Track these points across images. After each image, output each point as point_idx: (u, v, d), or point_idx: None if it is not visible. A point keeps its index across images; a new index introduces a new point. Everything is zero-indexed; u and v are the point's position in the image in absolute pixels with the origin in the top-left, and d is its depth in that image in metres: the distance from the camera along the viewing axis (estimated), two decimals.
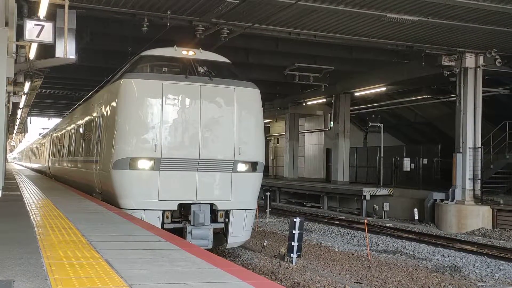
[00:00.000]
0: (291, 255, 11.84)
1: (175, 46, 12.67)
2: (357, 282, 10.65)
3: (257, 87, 12.13)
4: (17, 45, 12.27)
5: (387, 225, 19.66)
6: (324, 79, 23.87)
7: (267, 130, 38.67)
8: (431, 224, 20.12)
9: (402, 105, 29.32)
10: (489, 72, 19.84)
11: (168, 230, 9.37)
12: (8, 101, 16.39)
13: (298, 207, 27.42)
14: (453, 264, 13.08)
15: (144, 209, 10.89)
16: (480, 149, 19.54)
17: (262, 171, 12.18)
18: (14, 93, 16.91)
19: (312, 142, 36.91)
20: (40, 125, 59.08)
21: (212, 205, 11.31)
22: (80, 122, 16.42)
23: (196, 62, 12.06)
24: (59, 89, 30.03)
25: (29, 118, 42.62)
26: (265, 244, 13.90)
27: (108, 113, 12.10)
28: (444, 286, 10.63)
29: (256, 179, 11.99)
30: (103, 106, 12.80)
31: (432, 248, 15.04)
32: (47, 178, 24.72)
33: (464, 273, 12.08)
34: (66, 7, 10.08)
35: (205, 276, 4.47)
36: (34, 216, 8.42)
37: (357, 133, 34.46)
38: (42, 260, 4.92)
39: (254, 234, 15.19)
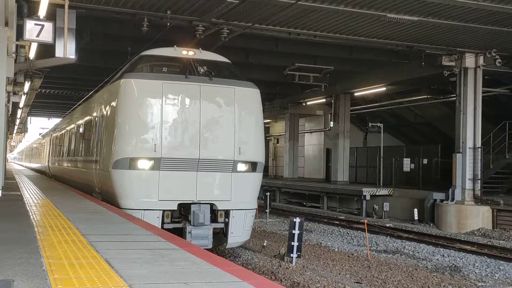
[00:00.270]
0: (291, 255, 11.84)
1: (175, 46, 12.66)
2: (357, 282, 10.65)
3: (257, 87, 12.13)
4: (17, 45, 12.26)
5: (387, 225, 19.66)
6: (324, 79, 23.87)
7: (267, 130, 38.66)
8: (431, 224, 20.12)
9: (402, 105, 29.32)
10: (489, 72, 19.85)
11: (168, 230, 9.37)
12: (8, 101, 16.38)
13: (298, 207, 27.42)
14: (453, 264, 13.09)
15: (144, 209, 10.88)
16: (480, 149, 19.54)
17: (262, 171, 12.17)
18: (14, 93, 16.90)
19: (312, 142, 36.92)
20: (40, 125, 59.08)
21: (212, 205, 11.31)
22: (80, 122, 16.41)
23: (196, 62, 12.06)
24: (59, 89, 30.02)
25: (29, 118, 42.60)
26: (265, 244, 13.89)
27: (108, 113, 12.09)
28: (444, 286, 10.63)
29: (256, 179, 11.98)
30: (103, 106, 12.79)
31: (432, 248, 15.04)
32: (47, 178, 24.72)
33: (464, 273, 12.08)
34: (66, 7, 10.08)
35: (205, 276, 4.46)
36: (34, 216, 8.41)
37: (357, 133, 34.47)
38: (42, 260, 4.92)
39: (254, 234, 15.19)
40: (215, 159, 11.29)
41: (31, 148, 49.54)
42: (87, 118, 15.12)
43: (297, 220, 11.95)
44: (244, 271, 4.77)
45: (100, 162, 12.40)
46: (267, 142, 37.16)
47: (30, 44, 11.94)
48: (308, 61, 22.27)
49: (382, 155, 25.89)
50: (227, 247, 12.05)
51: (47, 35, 10.15)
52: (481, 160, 19.45)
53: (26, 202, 10.87)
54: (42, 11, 10.41)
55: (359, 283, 10.63)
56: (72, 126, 18.56)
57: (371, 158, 29.64)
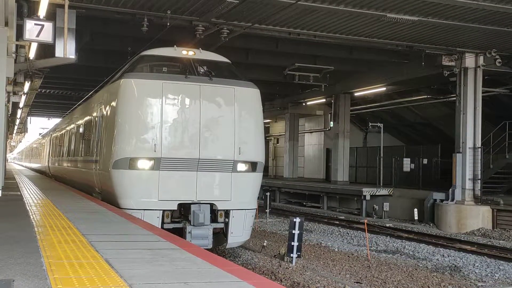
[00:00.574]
0: (291, 255, 11.84)
1: (175, 46, 12.66)
2: (357, 282, 10.65)
3: (257, 87, 12.12)
4: (17, 45, 12.26)
5: (387, 225, 19.66)
6: (324, 79, 23.87)
7: (267, 130, 38.67)
8: (431, 224, 20.12)
9: (402, 105, 29.32)
10: (489, 72, 19.84)
11: (168, 230, 9.36)
12: (8, 101, 16.38)
13: (298, 207, 27.41)
14: (453, 264, 13.09)
15: (144, 209, 10.88)
16: (480, 149, 19.54)
17: (262, 171, 12.17)
18: (14, 93, 16.91)
19: (312, 142, 36.92)
20: (40, 125, 59.10)
21: (212, 205, 11.30)
22: (80, 122, 16.41)
23: (196, 62, 12.05)
24: (59, 89, 30.02)
25: (29, 118, 42.63)
26: (265, 244, 13.89)
27: (108, 113, 12.09)
28: (444, 286, 10.63)
29: (256, 179, 11.98)
30: (103, 106, 12.79)
31: (432, 248, 15.04)
32: (47, 178, 24.71)
33: (464, 273, 12.08)
34: (66, 7, 10.08)
35: (205, 276, 4.46)
36: (34, 215, 8.41)
37: (357, 133, 34.47)
38: (42, 259, 4.92)
39: (254, 234, 15.19)
40: (215, 159, 11.29)
41: (31, 148, 49.53)
42: (87, 118, 15.11)
43: (297, 220, 11.95)
44: (244, 271, 4.77)
45: (100, 162, 12.40)
46: (267, 142, 37.17)
47: (30, 44, 11.94)
48: (308, 61, 22.27)
49: (382, 155, 25.89)
50: (227, 247, 12.04)
51: (47, 35, 10.15)
52: (481, 160, 19.45)
53: (26, 202, 10.87)
54: (42, 11, 10.40)
55: (359, 283, 10.63)
56: (72, 126, 18.56)
57: (371, 158, 29.65)
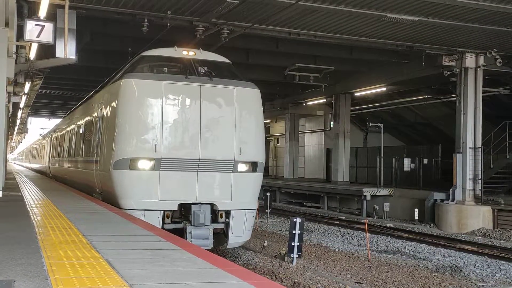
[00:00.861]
0: (292, 255, 11.84)
1: (175, 46, 12.67)
2: (357, 282, 10.65)
3: (257, 87, 12.13)
4: (17, 46, 12.28)
5: (388, 225, 19.66)
6: (324, 79, 23.88)
7: (267, 130, 38.68)
8: (432, 224, 20.11)
9: (402, 105, 29.33)
10: (490, 72, 19.84)
11: (169, 230, 9.36)
12: (9, 102, 16.38)
13: (298, 208, 27.41)
14: (454, 264, 13.08)
15: (145, 209, 10.88)
16: (480, 149, 19.54)
17: (263, 171, 12.17)
18: (15, 94, 16.91)
19: (312, 143, 36.92)
20: (41, 126, 59.10)
21: (212, 205, 11.30)
22: (81, 122, 16.41)
23: (196, 62, 12.06)
24: (59, 89, 30.03)
25: (29, 118, 42.65)
26: (265, 244, 13.89)
27: (109, 113, 12.09)
28: (444, 286, 10.63)
29: (256, 179, 11.98)
30: (103, 106, 12.79)
31: (433, 248, 15.03)
32: (48, 179, 24.72)
33: (464, 273, 12.08)
34: (66, 7, 10.08)
35: (206, 276, 4.46)
36: (34, 216, 8.42)
37: (357, 133, 34.48)
38: (42, 260, 4.92)
39: (254, 235, 15.19)
40: (216, 159, 11.29)
41: (32, 149, 49.54)
42: (88, 118, 15.12)
43: (298, 220, 11.95)
44: (244, 271, 4.77)
45: (100, 162, 12.40)
46: (267, 143, 37.18)
47: (31, 44, 11.94)
48: (308, 61, 22.28)
49: (382, 155, 25.89)
50: (227, 247, 12.04)
51: (47, 36, 10.15)
52: (481, 160, 19.45)
53: (26, 202, 10.87)
54: (43, 11, 10.41)
55: (360, 283, 10.63)
56: (73, 126, 18.56)
57: (371, 158, 29.65)
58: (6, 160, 22.50)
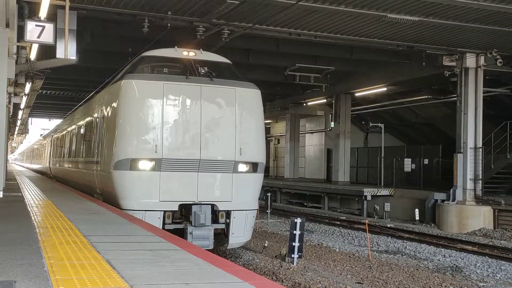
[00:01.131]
0: (292, 255, 11.84)
1: (176, 46, 12.67)
2: (358, 283, 10.65)
3: (258, 87, 12.13)
4: (18, 46, 12.28)
5: (388, 225, 19.66)
6: (324, 79, 23.89)
7: (267, 130, 38.69)
8: (432, 225, 20.11)
9: (402, 105, 29.34)
10: (490, 72, 19.84)
11: (169, 230, 9.35)
12: (9, 102, 16.39)
13: (299, 208, 27.41)
14: (454, 264, 13.08)
15: (145, 210, 10.89)
16: (481, 149, 19.53)
17: (263, 171, 12.17)
18: (15, 94, 16.90)
19: (312, 143, 36.92)
20: (41, 126, 59.09)
21: (213, 205, 11.31)
22: (81, 123, 16.42)
23: (197, 62, 12.06)
24: (60, 90, 30.05)
25: (30, 119, 42.58)
26: (266, 244, 13.89)
27: (109, 114, 12.10)
28: (445, 286, 10.63)
29: (256, 180, 11.98)
30: (104, 107, 12.80)
31: (433, 249, 15.03)
32: (48, 179, 24.72)
33: (465, 273, 12.07)
34: (67, 8, 10.09)
35: (206, 277, 4.47)
36: (35, 216, 8.42)
37: (358, 133, 34.48)
38: (43, 260, 4.92)
39: (255, 235, 15.19)
40: (216, 160, 11.29)
41: (32, 149, 49.56)
42: (88, 119, 15.12)
43: (298, 220, 11.95)
44: (245, 271, 4.77)
45: (101, 163, 12.41)
46: (268, 143, 37.20)
47: (31, 45, 11.94)
48: (309, 61, 22.29)
49: (383, 155, 25.89)
50: (228, 247, 12.04)
51: (48, 36, 10.16)
52: (482, 160, 19.44)
53: (27, 203, 10.88)
54: (43, 12, 10.42)
55: (360, 283, 10.63)
56: (73, 127, 18.57)
57: (372, 159, 29.65)
58: (6, 160, 22.51)
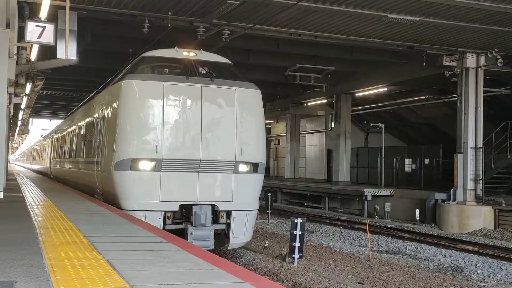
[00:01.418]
0: (293, 255, 11.84)
1: (176, 47, 12.67)
2: (358, 283, 10.65)
3: (258, 88, 12.13)
4: (18, 47, 12.28)
5: (389, 225, 19.65)
6: (325, 79, 23.89)
7: (268, 131, 38.69)
8: (433, 225, 20.10)
9: (403, 105, 29.34)
10: (491, 72, 19.83)
11: (170, 231, 9.35)
12: (10, 103, 16.40)
13: (299, 208, 27.41)
14: (455, 264, 13.08)
15: (146, 210, 10.88)
16: (481, 149, 19.53)
17: (264, 172, 12.17)
18: (16, 95, 16.92)
19: (313, 143, 36.92)
20: (42, 127, 59.10)
21: (213, 206, 11.31)
22: (82, 123, 16.42)
23: (197, 63, 12.06)
24: (60, 90, 30.07)
25: (30, 119, 42.62)
26: (266, 245, 13.89)
27: (109, 114, 12.10)
28: (446, 286, 10.62)
29: (257, 180, 11.98)
30: (104, 107, 12.80)
31: (434, 249, 15.03)
32: (49, 180, 24.73)
33: (466, 273, 12.07)
34: (67, 8, 10.10)
35: (207, 277, 4.47)
36: (35, 217, 8.42)
37: (358, 133, 34.48)
38: (43, 261, 4.92)
39: (255, 235, 15.19)
40: (217, 160, 11.29)
41: (33, 150, 49.56)
42: (89, 119, 15.13)
43: (299, 220, 11.95)
44: (245, 271, 4.78)
45: (101, 163, 12.41)
46: (268, 143, 37.21)
47: (32, 45, 11.95)
48: (309, 61, 22.30)
49: (383, 155, 25.89)
50: (228, 248, 12.04)
51: (48, 37, 10.17)
52: (482, 160, 19.43)
53: (27, 203, 10.88)
54: (43, 12, 10.42)
55: (361, 283, 10.63)
56: (74, 127, 18.58)
57: (372, 159, 29.64)
58: (7, 161, 22.51)
